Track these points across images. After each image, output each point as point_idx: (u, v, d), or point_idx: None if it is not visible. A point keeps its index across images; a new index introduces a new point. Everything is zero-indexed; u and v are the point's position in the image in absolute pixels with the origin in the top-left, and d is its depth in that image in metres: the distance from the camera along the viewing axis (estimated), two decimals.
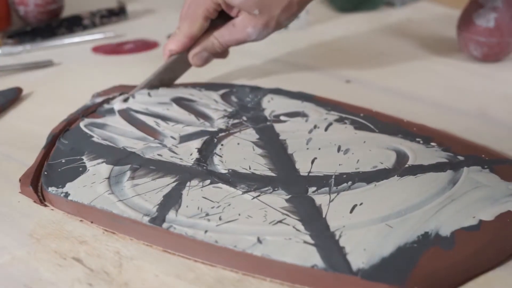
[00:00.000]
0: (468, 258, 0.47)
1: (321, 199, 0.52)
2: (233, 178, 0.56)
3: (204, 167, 0.57)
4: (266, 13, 0.68)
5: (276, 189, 0.54)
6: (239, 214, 0.51)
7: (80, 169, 0.57)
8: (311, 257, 0.46)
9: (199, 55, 0.72)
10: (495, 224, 0.49)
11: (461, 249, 0.47)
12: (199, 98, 0.70)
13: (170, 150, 0.60)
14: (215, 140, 0.62)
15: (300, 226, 0.49)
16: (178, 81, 0.75)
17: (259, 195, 0.53)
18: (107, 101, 0.70)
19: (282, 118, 0.66)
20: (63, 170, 0.57)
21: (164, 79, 0.73)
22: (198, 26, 0.70)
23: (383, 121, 0.65)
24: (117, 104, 0.69)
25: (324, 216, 0.50)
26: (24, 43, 0.91)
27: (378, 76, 0.80)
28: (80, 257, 0.49)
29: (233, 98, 0.71)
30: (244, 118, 0.66)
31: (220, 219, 0.50)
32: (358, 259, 0.45)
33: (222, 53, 0.74)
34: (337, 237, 0.48)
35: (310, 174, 0.56)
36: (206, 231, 0.49)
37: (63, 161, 0.59)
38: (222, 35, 0.71)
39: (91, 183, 0.55)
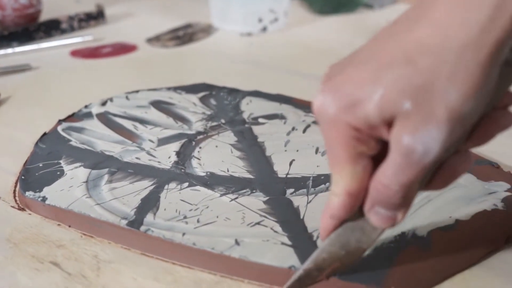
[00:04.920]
0: (445, 257, 0.47)
1: (298, 200, 0.52)
2: (211, 181, 0.56)
3: (182, 170, 0.57)
4: (424, 98, 0.36)
5: (254, 191, 0.54)
6: (217, 217, 0.51)
7: (58, 173, 0.57)
8: (288, 258, 0.46)
9: (374, 213, 0.41)
10: (472, 224, 0.49)
11: (438, 248, 0.47)
12: (178, 101, 0.70)
13: (148, 153, 0.60)
14: (193, 143, 0.62)
15: (278, 228, 0.49)
16: (161, 85, 0.75)
17: (237, 197, 0.53)
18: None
19: (260, 120, 0.66)
20: (41, 175, 0.57)
21: (340, 255, 0.43)
22: (349, 174, 0.40)
23: None
24: (95, 108, 0.68)
25: (302, 217, 0.50)
26: (1, 47, 0.91)
27: None
28: (57, 261, 0.48)
29: (212, 101, 0.71)
30: (223, 120, 0.66)
31: (198, 221, 0.50)
32: None
33: (407, 198, 0.39)
34: (314, 238, 0.48)
35: (288, 176, 0.56)
36: (184, 234, 0.49)
37: (41, 165, 0.58)
38: (384, 173, 0.39)
39: (69, 187, 0.55)
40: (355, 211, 0.41)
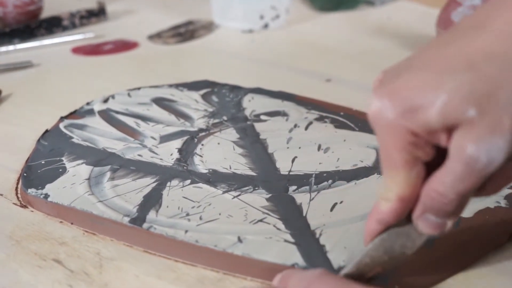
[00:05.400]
0: (448, 255, 0.47)
1: (301, 197, 0.52)
2: (214, 178, 0.55)
3: (185, 167, 0.57)
4: (488, 106, 0.36)
5: (256, 188, 0.54)
6: (220, 214, 0.51)
7: (60, 170, 0.57)
8: (291, 256, 0.46)
9: (423, 219, 0.40)
10: (474, 221, 0.49)
11: (441, 246, 0.47)
12: (180, 98, 0.70)
13: (150, 150, 0.60)
14: (196, 140, 0.62)
15: (281, 225, 0.49)
16: (163, 82, 0.75)
17: (239, 195, 0.53)
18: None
19: (262, 117, 0.66)
20: (43, 172, 0.57)
21: (383, 260, 0.43)
22: (403, 179, 0.39)
23: (363, 119, 0.65)
24: (97, 105, 0.68)
25: (304, 214, 0.50)
26: (2, 44, 0.91)
27: (358, 75, 0.81)
28: (60, 259, 0.48)
29: (214, 98, 0.71)
30: (225, 117, 0.66)
31: (200, 218, 0.50)
32: (339, 257, 0.46)
33: (460, 206, 0.39)
34: (317, 236, 0.48)
35: (291, 173, 0.56)
36: (186, 231, 0.49)
37: (43, 162, 0.58)
38: (441, 181, 0.38)
39: (71, 184, 0.55)
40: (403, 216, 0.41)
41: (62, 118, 0.66)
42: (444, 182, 0.37)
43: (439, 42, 0.39)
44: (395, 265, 0.43)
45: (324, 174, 0.56)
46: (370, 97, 0.39)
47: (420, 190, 0.39)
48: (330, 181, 0.55)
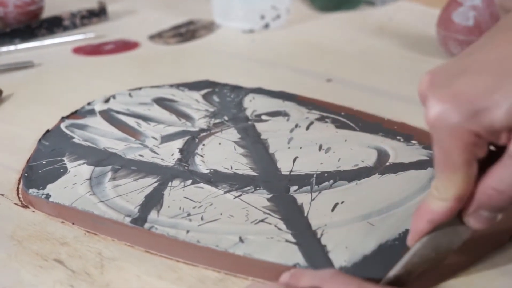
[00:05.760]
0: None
1: (302, 198, 0.52)
2: (215, 178, 0.56)
3: (186, 167, 0.57)
4: None
5: (257, 188, 0.54)
6: (221, 214, 0.51)
7: (61, 170, 0.57)
8: (293, 256, 0.46)
9: (475, 216, 0.42)
10: None
11: None
12: (181, 98, 0.70)
13: (152, 150, 0.60)
14: (197, 140, 0.62)
15: (282, 225, 0.49)
16: (164, 82, 0.75)
17: (240, 195, 0.53)
18: None
19: (263, 117, 0.66)
20: (44, 172, 0.57)
21: (431, 257, 0.44)
22: (461, 178, 0.40)
23: (364, 119, 0.65)
24: (98, 105, 0.68)
25: (305, 214, 0.50)
26: (3, 44, 0.91)
27: (358, 75, 0.81)
28: (61, 259, 0.48)
29: (215, 98, 0.71)
30: (226, 117, 0.66)
31: (202, 219, 0.50)
32: (340, 257, 0.46)
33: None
34: (318, 236, 0.48)
35: (292, 173, 0.56)
36: (188, 231, 0.49)
37: (44, 162, 0.58)
38: (500, 179, 0.39)
39: (72, 184, 0.55)
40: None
41: (63, 118, 0.66)
42: (503, 179, 0.39)
43: (488, 43, 0.41)
44: (440, 261, 0.44)
45: (325, 174, 0.56)
46: (429, 101, 0.39)
47: (474, 188, 0.40)
48: (331, 181, 0.55)
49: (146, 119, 0.66)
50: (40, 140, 0.62)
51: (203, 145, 0.61)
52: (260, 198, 0.53)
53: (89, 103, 0.69)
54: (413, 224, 0.43)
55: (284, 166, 0.57)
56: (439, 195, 0.41)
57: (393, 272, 0.43)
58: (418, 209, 0.43)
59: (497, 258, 0.48)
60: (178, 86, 0.73)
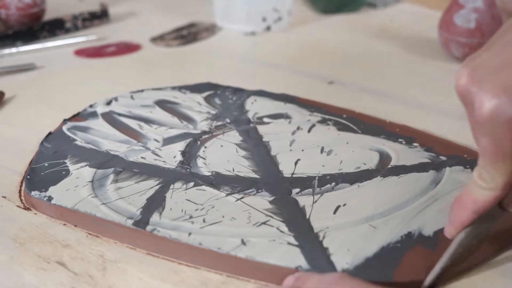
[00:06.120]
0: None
1: (304, 200, 0.52)
2: (217, 180, 0.56)
3: (188, 170, 0.57)
4: None
5: (259, 191, 0.54)
6: (223, 216, 0.51)
7: (63, 172, 0.57)
8: (295, 258, 0.46)
9: None
10: None
11: (444, 248, 0.47)
12: (183, 100, 0.70)
13: (154, 153, 0.60)
14: (199, 142, 0.62)
15: (284, 228, 0.49)
16: (166, 84, 0.75)
17: (242, 197, 0.53)
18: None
19: (265, 120, 0.66)
20: (46, 174, 0.57)
21: (473, 246, 0.46)
22: (510, 167, 0.41)
23: (365, 122, 0.65)
24: (100, 107, 0.68)
25: (307, 217, 0.50)
26: (5, 46, 0.91)
27: (360, 77, 0.81)
28: (63, 261, 0.48)
29: (217, 100, 0.71)
30: (228, 120, 0.66)
31: (204, 221, 0.50)
32: (342, 259, 0.46)
33: None
34: (321, 238, 0.48)
35: (294, 175, 0.56)
36: (190, 234, 0.49)
37: (46, 164, 0.58)
38: None
39: (74, 187, 0.55)
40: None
41: (65, 121, 0.66)
42: None
43: None
44: (478, 248, 0.46)
45: (327, 177, 0.56)
46: (477, 97, 0.40)
47: None
48: (333, 183, 0.55)
49: (148, 121, 0.66)
50: (42, 142, 0.62)
51: (205, 147, 0.61)
52: (262, 201, 0.53)
53: (91, 106, 0.69)
54: (456, 215, 0.44)
55: (286, 168, 0.57)
56: (486, 185, 0.42)
57: (440, 264, 0.44)
58: (458, 201, 0.44)
59: (499, 260, 0.48)
60: (180, 88, 0.73)
